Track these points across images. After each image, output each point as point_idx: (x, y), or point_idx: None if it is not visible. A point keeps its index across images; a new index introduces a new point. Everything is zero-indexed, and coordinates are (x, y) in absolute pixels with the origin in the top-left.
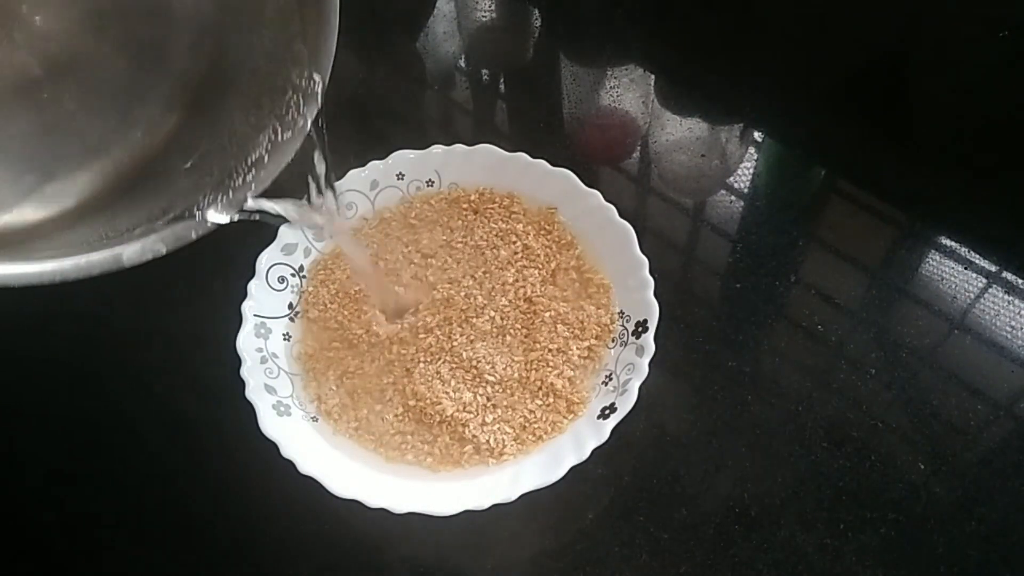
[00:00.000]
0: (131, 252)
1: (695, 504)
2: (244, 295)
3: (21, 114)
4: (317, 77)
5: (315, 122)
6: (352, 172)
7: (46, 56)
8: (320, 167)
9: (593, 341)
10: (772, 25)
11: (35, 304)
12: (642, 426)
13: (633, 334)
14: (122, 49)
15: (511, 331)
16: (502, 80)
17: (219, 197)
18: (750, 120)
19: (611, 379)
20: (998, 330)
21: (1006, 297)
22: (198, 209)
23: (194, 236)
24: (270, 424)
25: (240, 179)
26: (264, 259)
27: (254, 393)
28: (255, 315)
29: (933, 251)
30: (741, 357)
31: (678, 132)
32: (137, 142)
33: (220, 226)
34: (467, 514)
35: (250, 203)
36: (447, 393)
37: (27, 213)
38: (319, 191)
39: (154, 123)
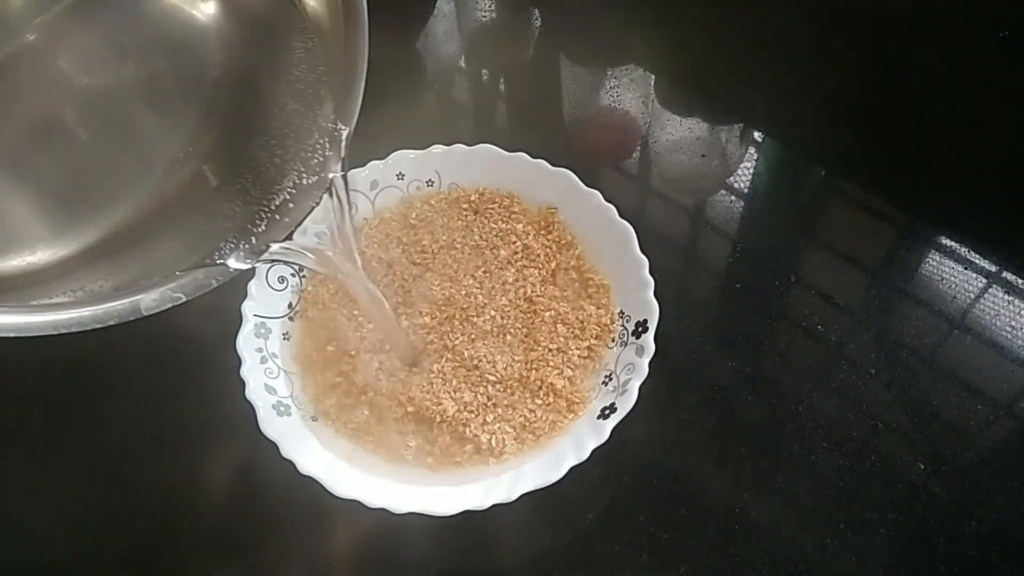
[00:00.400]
0: (150, 300)
1: (695, 504)
2: (244, 295)
3: (46, 154)
4: (343, 125)
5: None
6: (352, 172)
7: (70, 96)
8: (342, 211)
9: (593, 341)
10: (772, 25)
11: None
12: (642, 426)
13: (633, 334)
14: (145, 89)
15: (511, 330)
16: (502, 80)
17: (240, 243)
18: (750, 120)
19: (611, 379)
20: (998, 330)
21: (1006, 297)
22: (219, 255)
23: (215, 284)
24: (270, 424)
25: (263, 225)
26: None
27: (254, 393)
28: (255, 315)
29: (933, 251)
30: (741, 357)
31: (678, 132)
32: (160, 183)
33: (242, 271)
34: (467, 514)
35: (274, 248)
36: (448, 393)
37: (49, 253)
38: (341, 236)
39: (176, 163)
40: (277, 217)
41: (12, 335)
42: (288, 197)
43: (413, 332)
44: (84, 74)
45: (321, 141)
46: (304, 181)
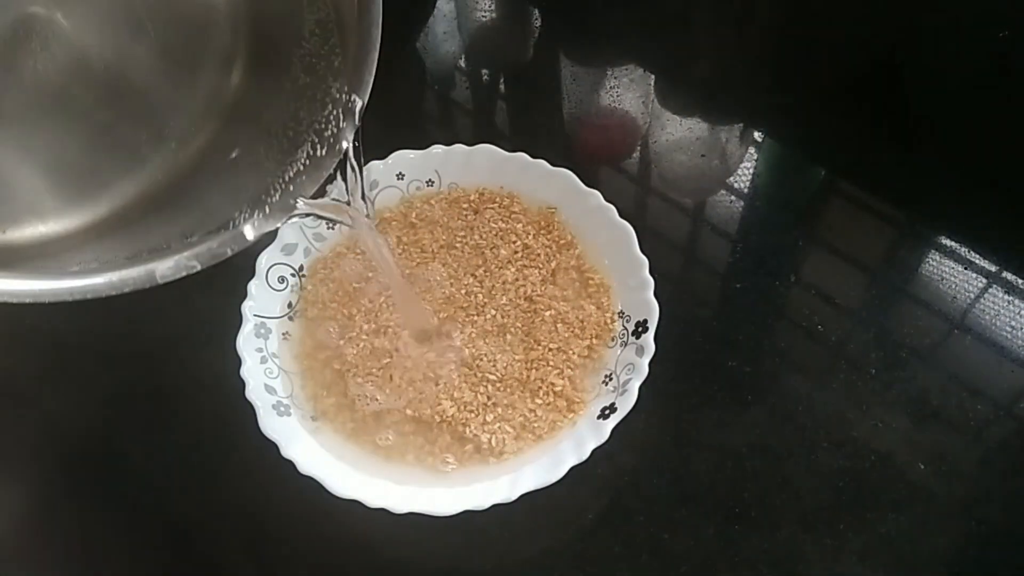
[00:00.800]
0: (165, 268)
1: (695, 504)
2: (244, 295)
3: (56, 125)
4: (356, 97)
5: (353, 140)
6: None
7: (82, 67)
8: (354, 181)
9: (593, 341)
10: (772, 25)
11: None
12: (642, 426)
13: (633, 334)
14: (158, 60)
15: (511, 330)
16: (502, 80)
17: (255, 213)
18: (750, 120)
19: (611, 379)
20: (998, 330)
21: (1006, 297)
22: (233, 225)
23: (229, 253)
24: (270, 424)
25: (276, 195)
26: (264, 259)
27: (254, 393)
28: (255, 315)
29: (933, 251)
30: (741, 357)
31: (678, 132)
32: (172, 154)
33: (257, 241)
34: (467, 514)
35: (301, 207)
36: (448, 393)
37: (60, 225)
38: (350, 201)
39: (189, 135)
40: (291, 188)
41: (28, 300)
42: (301, 168)
43: (428, 304)
44: (95, 45)
45: (335, 113)
46: (317, 152)
